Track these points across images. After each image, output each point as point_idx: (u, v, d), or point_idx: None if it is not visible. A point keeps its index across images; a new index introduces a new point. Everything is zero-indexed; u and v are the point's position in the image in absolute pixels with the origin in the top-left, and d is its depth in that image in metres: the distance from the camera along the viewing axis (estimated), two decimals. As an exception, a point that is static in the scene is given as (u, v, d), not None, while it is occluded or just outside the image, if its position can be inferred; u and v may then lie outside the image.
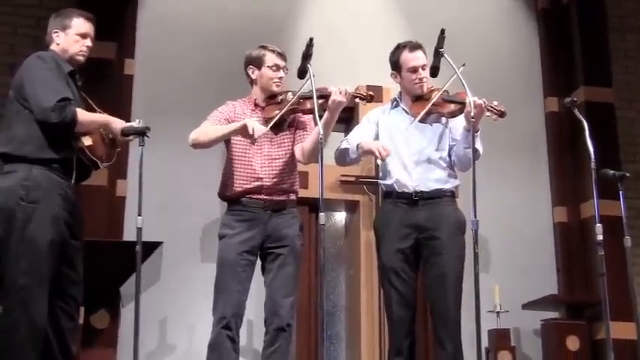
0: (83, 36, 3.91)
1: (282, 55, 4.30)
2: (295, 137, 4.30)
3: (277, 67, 4.27)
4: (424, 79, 4.30)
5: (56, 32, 3.91)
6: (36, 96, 3.65)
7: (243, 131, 3.98)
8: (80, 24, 3.91)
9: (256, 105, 4.31)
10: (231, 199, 4.20)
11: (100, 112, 3.94)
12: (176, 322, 5.92)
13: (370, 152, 4.24)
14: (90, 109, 3.91)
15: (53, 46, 3.91)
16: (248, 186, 4.15)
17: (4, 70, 6.19)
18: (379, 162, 4.27)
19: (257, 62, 4.30)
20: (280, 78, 4.28)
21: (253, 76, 4.33)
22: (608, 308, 3.91)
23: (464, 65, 3.98)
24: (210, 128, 4.19)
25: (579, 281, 6.70)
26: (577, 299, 6.56)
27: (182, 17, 6.61)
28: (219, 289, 4.05)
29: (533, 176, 7.01)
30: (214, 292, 4.07)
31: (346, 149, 4.32)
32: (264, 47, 4.32)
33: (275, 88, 4.28)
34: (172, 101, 6.27)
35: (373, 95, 4.25)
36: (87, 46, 3.92)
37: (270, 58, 4.28)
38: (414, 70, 4.29)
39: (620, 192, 4.24)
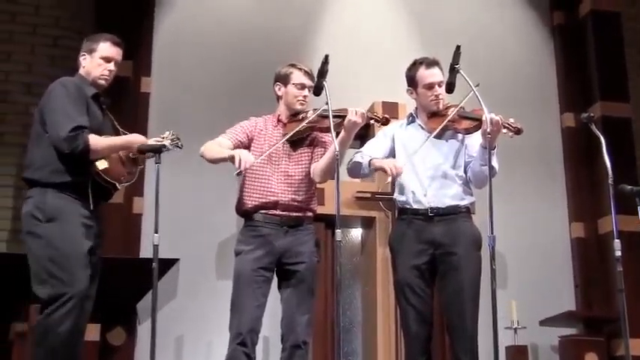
0: (107, 60, 3.96)
1: (309, 74, 4.31)
2: (313, 155, 4.30)
3: (302, 86, 4.29)
4: (440, 96, 4.29)
5: (83, 55, 3.99)
6: (52, 123, 3.73)
7: (232, 161, 4.00)
8: (105, 48, 3.97)
9: (279, 121, 4.33)
10: (247, 214, 4.21)
11: (123, 132, 4.00)
12: (193, 339, 5.91)
13: (382, 170, 4.22)
14: (115, 131, 3.99)
15: (81, 69, 3.99)
16: (263, 200, 4.15)
17: (21, 89, 6.26)
18: (391, 179, 4.26)
19: (284, 80, 4.32)
20: (305, 97, 4.29)
21: (279, 93, 4.35)
22: (627, 324, 3.88)
23: (478, 85, 3.97)
24: (214, 147, 4.20)
25: (597, 297, 6.65)
26: (595, 315, 6.51)
27: (198, 35, 6.64)
28: (236, 306, 4.05)
29: (550, 192, 6.98)
30: (230, 309, 4.07)
31: (359, 164, 4.32)
32: (293, 65, 4.35)
33: (299, 107, 4.29)
34: (188, 118, 6.28)
35: (389, 118, 4.26)
36: (109, 70, 3.97)
37: (297, 76, 4.30)
38: (430, 86, 4.29)
39: (639, 207, 4.21)
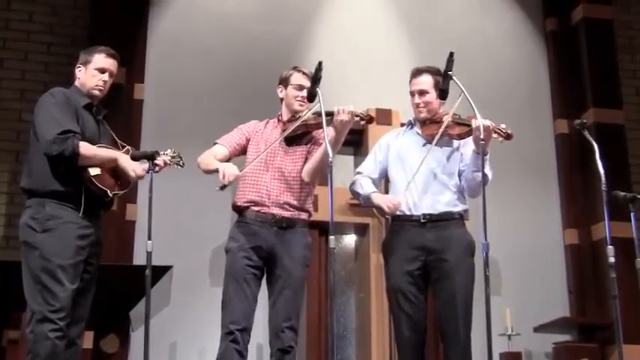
0: (101, 71, 4.00)
1: (308, 76, 4.35)
2: (309, 155, 4.33)
3: (301, 87, 4.34)
4: (420, 105, 4.36)
5: (79, 67, 4.04)
6: (41, 130, 3.77)
7: (218, 174, 4.06)
8: (99, 59, 4.00)
9: (279, 121, 4.40)
10: (241, 209, 4.23)
11: (121, 143, 4.04)
12: (186, 345, 5.89)
13: (380, 208, 4.34)
14: (113, 141, 4.03)
15: (76, 81, 4.03)
16: (255, 196, 4.18)
17: (15, 96, 6.25)
18: (390, 188, 4.31)
19: (285, 82, 4.42)
20: (303, 97, 4.32)
21: (281, 95, 4.44)
22: (620, 331, 3.88)
23: (461, 95, 3.99)
24: (208, 158, 4.27)
25: (591, 303, 6.64)
26: (589, 322, 6.51)
27: (192, 41, 6.64)
28: (226, 303, 4.08)
29: (544, 198, 6.98)
30: (222, 307, 4.09)
31: (359, 195, 4.44)
32: (294, 68, 4.45)
33: (297, 107, 4.35)
34: (182, 125, 6.29)
35: (373, 117, 4.32)
36: (104, 81, 4.00)
37: (296, 78, 4.38)
38: (412, 95, 4.39)
39: (632, 213, 4.21)
